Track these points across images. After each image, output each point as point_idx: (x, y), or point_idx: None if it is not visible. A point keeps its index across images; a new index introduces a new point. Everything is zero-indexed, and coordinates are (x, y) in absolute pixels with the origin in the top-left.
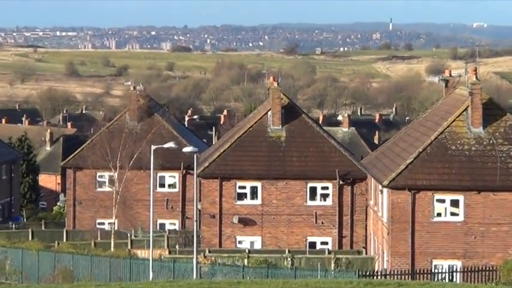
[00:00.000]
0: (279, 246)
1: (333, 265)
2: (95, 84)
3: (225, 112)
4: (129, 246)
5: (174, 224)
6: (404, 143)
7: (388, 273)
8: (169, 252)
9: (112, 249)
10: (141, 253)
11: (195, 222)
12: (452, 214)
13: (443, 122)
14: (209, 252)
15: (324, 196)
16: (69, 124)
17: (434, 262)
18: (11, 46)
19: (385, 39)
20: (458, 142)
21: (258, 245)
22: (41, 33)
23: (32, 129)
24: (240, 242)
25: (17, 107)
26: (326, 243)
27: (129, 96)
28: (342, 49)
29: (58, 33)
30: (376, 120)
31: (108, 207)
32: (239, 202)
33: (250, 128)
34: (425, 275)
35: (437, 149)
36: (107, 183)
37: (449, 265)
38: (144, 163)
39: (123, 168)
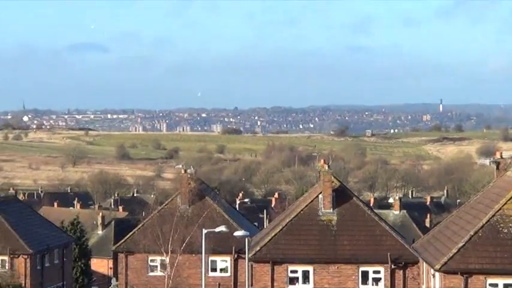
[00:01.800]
0: None
1: None
2: (146, 167)
3: (276, 195)
4: None
5: None
6: (455, 226)
7: None
8: None
9: None
10: None
11: None
12: None
13: (495, 205)
14: None
15: (376, 280)
16: (120, 207)
17: None
18: (63, 129)
19: (435, 120)
20: (510, 225)
21: None
22: (92, 116)
23: (83, 212)
24: None
25: (69, 190)
26: None
27: (180, 180)
28: (392, 131)
29: (109, 115)
30: (427, 203)
31: None
32: (291, 286)
33: (301, 211)
34: None
35: (489, 232)
36: (158, 268)
37: None
38: (195, 247)
39: (175, 252)
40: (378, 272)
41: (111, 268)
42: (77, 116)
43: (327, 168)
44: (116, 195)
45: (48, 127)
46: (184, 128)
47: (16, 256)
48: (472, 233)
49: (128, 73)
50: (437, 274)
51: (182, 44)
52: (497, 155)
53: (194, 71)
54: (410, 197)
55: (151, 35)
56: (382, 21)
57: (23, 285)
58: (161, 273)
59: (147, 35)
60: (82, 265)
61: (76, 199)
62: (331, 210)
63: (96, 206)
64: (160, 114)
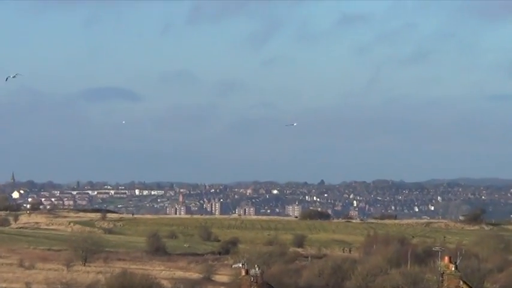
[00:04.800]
0: None
1: None
2: (189, 266)
3: None
4: None
5: None
6: None
7: None
8: None
9: None
10: None
11: None
12: None
13: None
14: None
15: None
16: None
17: None
18: (69, 210)
19: None
20: None
21: None
22: (112, 192)
23: None
24: None
25: None
26: None
27: (240, 284)
28: None
29: (137, 191)
30: None
31: None
32: None
33: None
34: None
35: None
36: None
37: None
38: None
39: None
40: None
41: None
42: (90, 192)
43: (453, 269)
44: None
45: (48, 208)
46: (247, 210)
47: None
48: None
49: (166, 132)
50: None
51: (254, 92)
52: None
53: (264, 129)
54: None
55: (209, 78)
56: None
57: None
58: None
59: (202, 79)
60: None
61: None
62: None
63: None
64: (212, 191)
